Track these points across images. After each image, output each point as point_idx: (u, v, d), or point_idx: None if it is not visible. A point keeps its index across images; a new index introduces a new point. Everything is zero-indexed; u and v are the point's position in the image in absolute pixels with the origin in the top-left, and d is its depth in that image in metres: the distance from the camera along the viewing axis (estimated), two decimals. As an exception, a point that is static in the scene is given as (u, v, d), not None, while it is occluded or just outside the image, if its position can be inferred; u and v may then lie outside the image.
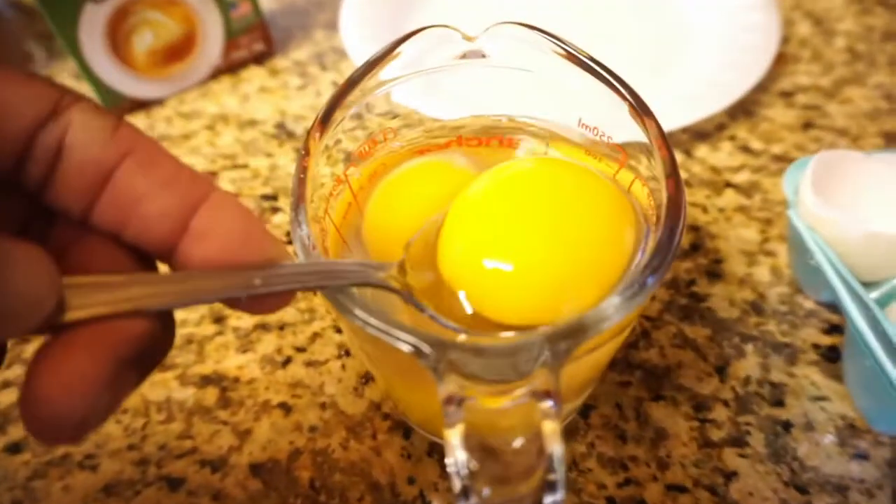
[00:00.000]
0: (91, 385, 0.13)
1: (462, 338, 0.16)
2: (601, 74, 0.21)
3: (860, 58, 0.42)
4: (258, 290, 0.15)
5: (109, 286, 0.14)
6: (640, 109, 0.20)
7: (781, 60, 0.41)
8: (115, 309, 0.13)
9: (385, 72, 0.22)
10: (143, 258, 0.15)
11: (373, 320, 0.16)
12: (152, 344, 0.14)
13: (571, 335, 0.16)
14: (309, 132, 0.20)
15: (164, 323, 0.15)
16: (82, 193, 0.14)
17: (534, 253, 0.19)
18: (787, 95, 0.39)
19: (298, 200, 0.19)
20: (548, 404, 0.15)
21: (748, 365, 0.27)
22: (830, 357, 0.27)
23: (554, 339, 0.16)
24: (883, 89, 0.39)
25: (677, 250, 0.18)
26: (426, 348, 0.15)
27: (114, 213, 0.15)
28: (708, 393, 0.26)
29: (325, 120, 0.21)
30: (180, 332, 0.29)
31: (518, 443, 0.16)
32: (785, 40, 0.42)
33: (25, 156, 0.14)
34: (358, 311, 0.16)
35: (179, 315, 0.29)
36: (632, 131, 0.21)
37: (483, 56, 0.23)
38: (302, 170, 0.19)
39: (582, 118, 0.23)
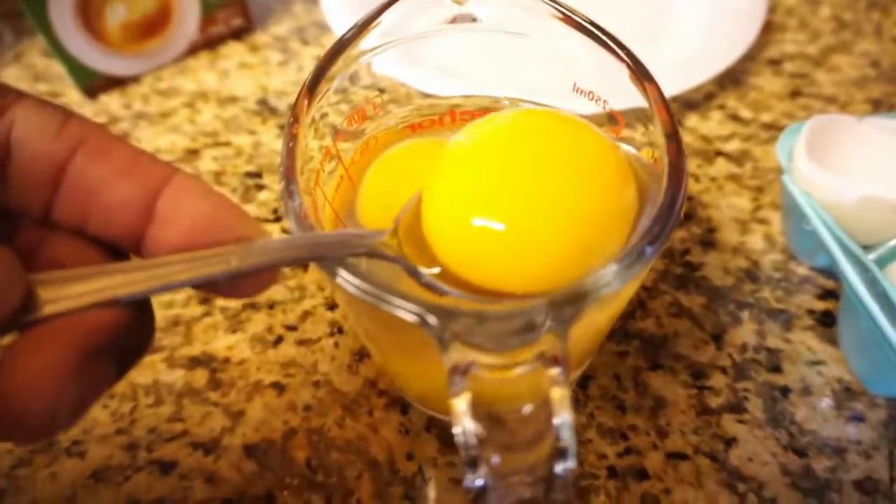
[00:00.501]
0: (57, 376, 0.12)
1: (465, 305, 0.15)
2: (600, 37, 0.21)
3: (846, 26, 0.41)
4: (236, 270, 0.14)
5: (79, 278, 0.13)
6: (641, 73, 0.20)
7: (768, 29, 0.41)
8: (87, 301, 0.13)
9: (367, 40, 0.21)
10: (114, 251, 0.15)
11: (373, 289, 0.15)
12: (127, 334, 0.14)
13: (574, 301, 0.15)
14: (296, 101, 0.20)
15: (139, 312, 0.14)
16: (37, 190, 0.14)
17: (528, 212, 0.18)
18: (774, 63, 0.39)
19: (289, 171, 0.18)
20: (556, 370, 0.15)
21: (744, 332, 0.27)
22: (825, 322, 0.27)
23: (557, 304, 0.15)
24: (869, 57, 0.39)
25: (679, 217, 0.17)
26: (430, 317, 0.15)
27: (73, 207, 0.14)
28: (705, 361, 0.26)
29: (312, 87, 0.20)
30: (166, 314, 0.28)
31: (526, 410, 0.15)
32: (771, 9, 0.42)
33: None
34: (355, 280, 0.16)
35: (165, 297, 0.29)
36: (628, 96, 0.21)
37: (474, 20, 0.22)
38: (291, 138, 0.18)
39: (577, 83, 0.22)
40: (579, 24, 0.21)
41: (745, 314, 0.28)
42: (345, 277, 0.16)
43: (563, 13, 0.21)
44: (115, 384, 0.15)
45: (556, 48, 0.21)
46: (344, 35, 0.21)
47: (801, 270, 0.29)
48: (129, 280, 0.14)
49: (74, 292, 0.13)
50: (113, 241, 0.15)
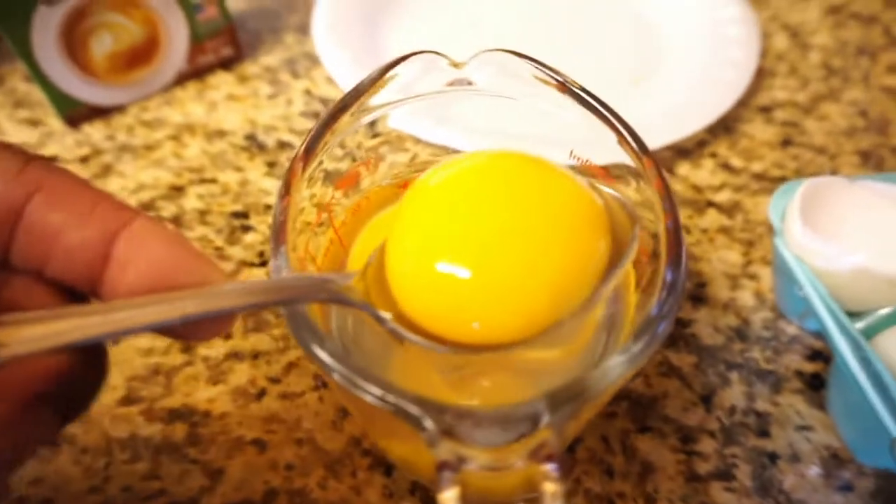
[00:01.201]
0: None
1: (459, 405, 0.15)
2: (594, 106, 0.20)
3: (835, 73, 0.42)
4: (193, 315, 0.14)
5: (34, 321, 0.13)
6: (637, 145, 0.20)
7: (759, 75, 0.41)
8: (43, 345, 0.13)
9: (377, 97, 0.21)
10: (73, 294, 0.15)
11: (363, 382, 0.15)
12: (75, 380, 0.14)
13: (575, 397, 0.15)
14: (292, 162, 0.19)
15: (90, 357, 0.14)
16: None
17: (491, 260, 0.17)
18: (765, 111, 0.39)
19: (279, 243, 0.17)
20: (549, 467, 0.15)
21: (733, 394, 0.27)
22: (814, 385, 0.27)
23: (557, 402, 0.15)
24: (857, 106, 0.40)
25: (683, 291, 0.17)
26: (423, 417, 0.14)
27: (31, 250, 0.14)
28: (694, 424, 0.26)
29: (308, 152, 0.19)
30: (146, 362, 0.27)
31: (518, 507, 0.15)
32: (762, 54, 0.42)
33: None
34: (342, 369, 0.15)
35: (145, 344, 0.28)
36: (620, 158, 0.21)
37: (469, 84, 0.22)
38: (282, 211, 0.18)
39: (574, 150, 0.22)
40: (574, 92, 0.20)
41: (734, 375, 0.27)
42: (329, 364, 0.15)
43: (558, 81, 0.21)
44: (58, 435, 0.15)
45: (553, 115, 0.21)
46: (341, 99, 0.20)
47: (791, 329, 0.29)
48: (81, 324, 0.13)
49: (29, 336, 0.13)
50: (71, 284, 0.15)
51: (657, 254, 0.19)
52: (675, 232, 0.18)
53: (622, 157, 0.20)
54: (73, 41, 0.34)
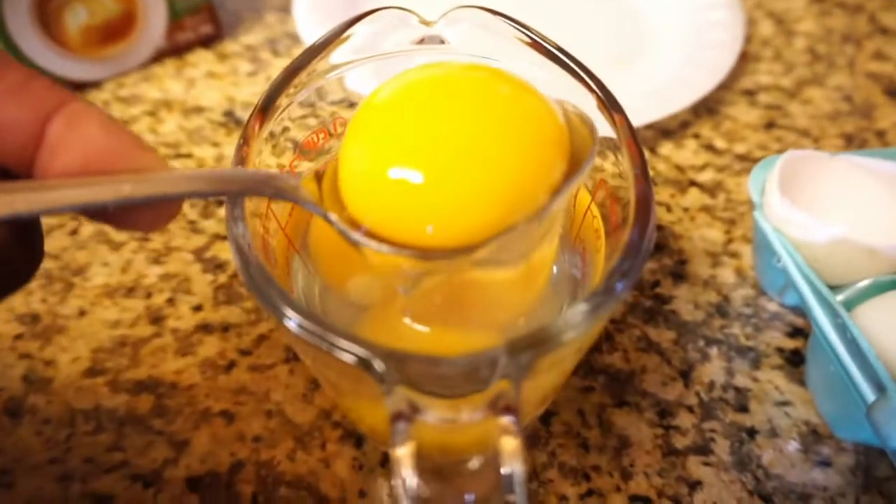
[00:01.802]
0: None
1: (415, 350, 0.14)
2: (568, 65, 0.20)
3: (820, 59, 0.42)
4: (129, 197, 0.13)
5: None
6: (609, 104, 0.19)
7: (743, 59, 0.40)
8: None
9: (336, 55, 0.21)
10: (6, 176, 0.14)
11: (314, 327, 0.14)
12: (3, 258, 0.13)
13: (535, 345, 0.15)
14: (248, 121, 0.19)
15: (21, 236, 0.14)
16: None
17: (443, 163, 0.16)
18: (749, 94, 0.39)
19: (234, 197, 0.17)
20: (507, 420, 0.14)
21: (713, 369, 0.26)
22: (794, 361, 0.27)
23: (515, 350, 0.14)
24: (842, 91, 0.39)
25: (647, 254, 0.17)
26: (376, 361, 0.14)
27: None
28: (672, 399, 0.25)
29: (265, 107, 0.19)
30: (112, 334, 0.27)
31: (474, 464, 0.14)
32: (747, 39, 0.42)
33: None
34: (296, 316, 0.15)
35: (111, 316, 0.27)
36: (599, 126, 0.20)
37: (442, 42, 0.21)
38: (240, 160, 0.17)
39: (547, 111, 0.22)
40: (548, 50, 0.20)
41: (713, 350, 0.27)
42: (278, 307, 0.15)
43: (531, 38, 0.20)
44: None
45: (526, 74, 0.21)
46: (310, 48, 0.20)
47: (772, 307, 0.28)
48: (12, 200, 0.13)
49: None
50: (2, 165, 0.14)
51: (626, 221, 0.19)
52: (644, 193, 0.18)
53: (601, 127, 0.20)
54: (47, 14, 0.33)
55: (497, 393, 0.14)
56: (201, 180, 0.15)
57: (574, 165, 0.17)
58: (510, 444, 0.14)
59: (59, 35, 0.34)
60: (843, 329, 0.22)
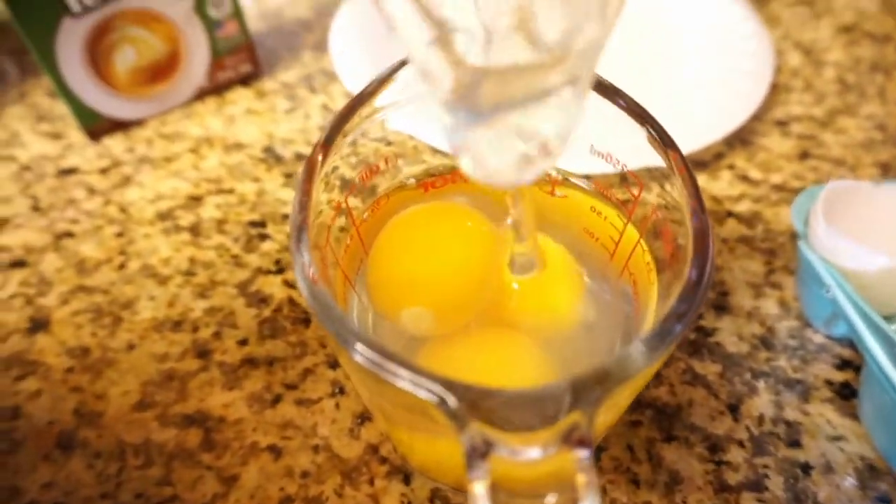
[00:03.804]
0: None
1: (487, 385, 0.14)
2: (619, 102, 0.20)
3: (850, 88, 0.42)
4: None
5: None
6: (661, 138, 0.19)
7: (774, 90, 0.41)
8: None
9: (382, 97, 0.21)
10: None
11: (385, 362, 0.14)
12: None
13: (599, 381, 0.15)
14: (310, 156, 0.19)
15: None
16: None
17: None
18: (782, 125, 0.39)
19: (300, 228, 0.17)
20: (581, 454, 0.14)
21: (761, 402, 0.26)
22: (844, 394, 0.26)
23: (581, 386, 0.14)
24: (874, 120, 0.39)
25: (706, 292, 0.17)
26: (450, 397, 0.14)
27: None
28: (722, 433, 0.25)
29: (327, 143, 0.19)
30: (160, 368, 0.27)
31: (550, 500, 0.14)
32: (777, 70, 0.42)
33: None
34: (367, 351, 0.15)
35: (160, 349, 0.27)
36: (646, 157, 0.20)
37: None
38: (304, 192, 0.18)
39: (594, 144, 0.22)
40: (600, 87, 0.20)
41: (761, 383, 0.27)
42: (355, 346, 0.15)
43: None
44: None
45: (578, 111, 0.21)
46: (362, 91, 0.20)
47: (818, 338, 0.28)
48: None
49: None
50: None
51: (680, 256, 0.19)
52: (701, 227, 0.18)
53: (644, 155, 0.20)
54: (97, 54, 0.34)
55: (569, 426, 0.14)
56: None
57: None
58: (584, 480, 0.14)
59: (107, 75, 0.35)
60: (899, 361, 0.22)
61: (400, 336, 0.22)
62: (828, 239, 0.25)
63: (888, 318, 0.24)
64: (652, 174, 0.21)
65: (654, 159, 0.20)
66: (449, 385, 0.14)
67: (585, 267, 0.24)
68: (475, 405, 0.14)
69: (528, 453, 0.14)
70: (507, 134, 0.15)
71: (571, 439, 0.14)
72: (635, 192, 0.22)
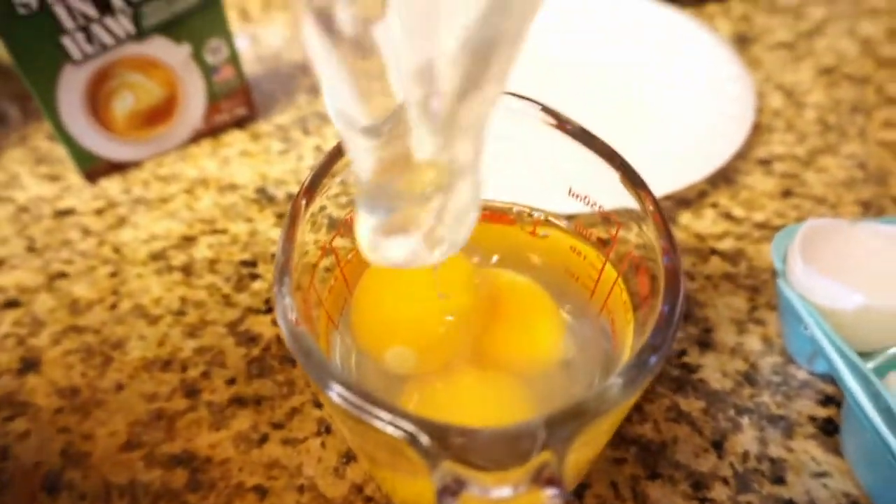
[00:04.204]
0: None
1: (459, 423, 0.14)
2: (593, 144, 0.21)
3: (831, 129, 0.43)
4: None
5: None
6: (633, 181, 0.20)
7: (756, 130, 0.42)
8: None
9: None
10: None
11: (359, 401, 0.15)
12: None
13: (573, 418, 0.15)
14: (294, 201, 0.20)
15: None
16: None
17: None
18: (764, 163, 0.40)
19: (283, 271, 0.18)
20: (551, 492, 0.14)
21: (745, 439, 0.26)
22: (828, 430, 0.26)
23: (555, 422, 0.15)
24: (855, 159, 0.40)
25: (678, 326, 0.17)
26: (422, 436, 0.14)
27: None
28: (706, 470, 0.25)
29: (312, 187, 0.20)
30: (149, 408, 0.27)
31: (521, 539, 0.14)
32: (758, 111, 0.43)
33: None
34: (342, 391, 0.15)
35: (149, 389, 0.28)
36: (623, 199, 0.21)
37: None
38: (287, 238, 0.18)
39: (572, 187, 0.23)
40: (573, 131, 0.21)
41: (745, 420, 0.27)
42: (330, 385, 0.15)
43: (557, 121, 0.21)
44: None
45: (552, 154, 0.22)
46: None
47: (801, 374, 0.28)
48: None
49: None
50: None
51: (656, 293, 0.20)
52: (672, 267, 0.18)
53: (621, 196, 0.21)
54: (97, 100, 0.35)
55: (540, 465, 0.14)
56: None
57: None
58: (554, 518, 0.14)
59: (106, 119, 0.36)
60: (876, 397, 0.22)
61: (383, 375, 0.22)
62: (805, 277, 0.25)
63: (866, 356, 0.25)
64: (630, 214, 0.21)
65: (631, 201, 0.21)
66: (421, 424, 0.14)
67: (566, 305, 0.24)
68: (447, 443, 0.14)
69: (499, 492, 0.14)
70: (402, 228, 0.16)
71: (541, 478, 0.14)
72: (613, 231, 0.22)
